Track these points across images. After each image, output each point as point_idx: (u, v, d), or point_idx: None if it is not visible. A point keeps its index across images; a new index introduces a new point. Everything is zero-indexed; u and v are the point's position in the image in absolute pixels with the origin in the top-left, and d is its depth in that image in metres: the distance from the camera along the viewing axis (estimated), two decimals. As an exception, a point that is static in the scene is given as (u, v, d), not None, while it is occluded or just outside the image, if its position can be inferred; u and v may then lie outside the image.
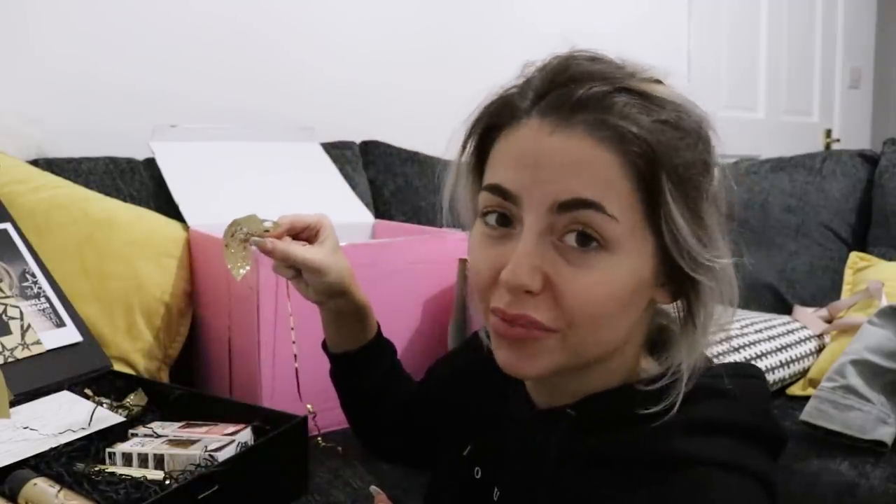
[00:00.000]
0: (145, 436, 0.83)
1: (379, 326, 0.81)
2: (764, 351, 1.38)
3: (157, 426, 0.86)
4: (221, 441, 0.78)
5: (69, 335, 1.01)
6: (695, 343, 0.53)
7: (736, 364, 0.59)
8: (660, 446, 0.51)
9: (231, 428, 0.82)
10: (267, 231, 0.74)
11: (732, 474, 0.50)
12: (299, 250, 0.73)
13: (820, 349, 1.45)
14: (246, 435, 0.81)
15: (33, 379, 0.93)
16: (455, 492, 0.64)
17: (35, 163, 1.27)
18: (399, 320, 1.16)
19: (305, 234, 0.76)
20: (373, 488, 0.75)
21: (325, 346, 0.81)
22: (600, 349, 0.53)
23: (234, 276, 0.75)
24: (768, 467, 0.52)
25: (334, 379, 0.82)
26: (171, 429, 0.85)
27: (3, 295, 0.99)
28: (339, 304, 0.76)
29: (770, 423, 0.55)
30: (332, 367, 0.81)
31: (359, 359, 0.79)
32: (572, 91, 0.49)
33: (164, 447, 0.78)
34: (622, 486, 0.51)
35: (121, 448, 0.79)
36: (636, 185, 0.49)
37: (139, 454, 0.77)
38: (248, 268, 0.75)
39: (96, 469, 0.75)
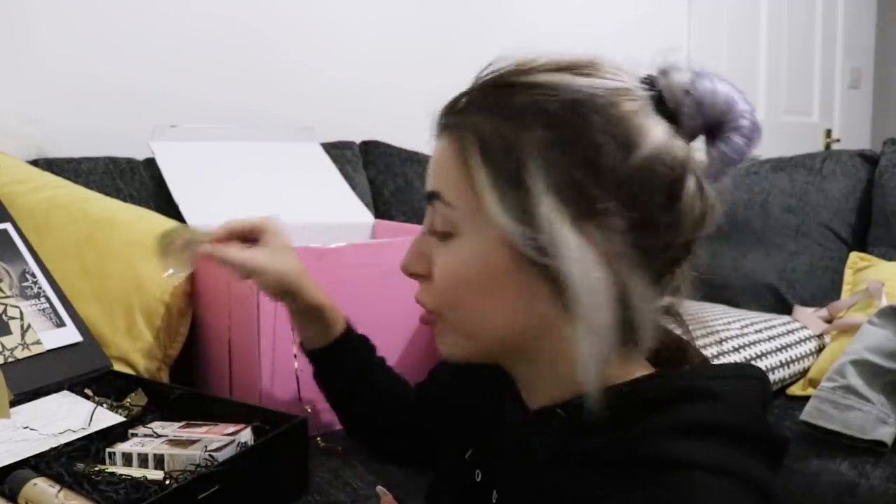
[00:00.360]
0: (145, 436, 0.83)
1: (349, 325, 0.84)
2: (764, 351, 1.38)
3: (157, 426, 0.86)
4: (221, 441, 0.78)
5: (69, 335, 1.01)
6: (584, 339, 0.50)
7: (737, 365, 0.58)
8: (646, 448, 0.50)
9: (231, 428, 0.82)
10: (207, 236, 0.77)
11: (719, 478, 0.48)
12: (233, 253, 0.77)
13: (820, 349, 1.45)
14: (246, 435, 0.81)
15: (33, 379, 0.93)
16: (455, 494, 0.64)
17: (35, 163, 1.27)
18: (399, 320, 1.16)
19: (252, 236, 0.80)
20: (379, 488, 0.75)
21: (301, 345, 0.86)
22: (486, 332, 0.55)
23: (170, 281, 0.79)
24: (760, 472, 0.50)
25: (314, 378, 0.86)
26: (171, 429, 0.85)
27: (3, 295, 0.99)
28: (296, 302, 0.80)
29: (764, 426, 0.53)
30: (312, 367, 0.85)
31: (324, 357, 0.84)
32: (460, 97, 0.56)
33: (164, 447, 0.78)
34: (612, 486, 0.50)
35: (121, 448, 0.79)
36: (467, 173, 0.53)
37: (139, 454, 0.77)
38: (188, 272, 0.80)
39: (96, 469, 0.75)
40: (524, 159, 0.50)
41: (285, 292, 0.79)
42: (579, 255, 0.49)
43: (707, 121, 0.54)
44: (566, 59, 0.54)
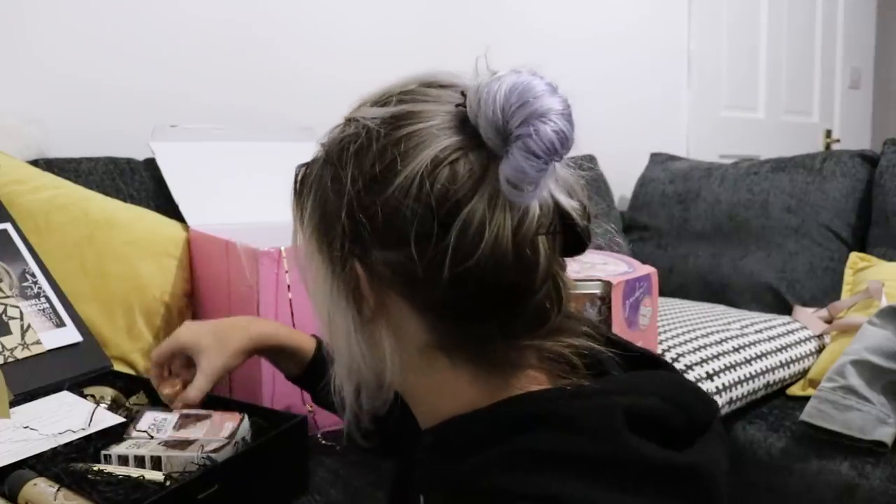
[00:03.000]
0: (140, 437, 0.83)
1: (318, 343, 0.87)
2: (764, 351, 1.38)
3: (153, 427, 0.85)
4: (219, 442, 0.78)
5: (69, 335, 1.01)
6: (336, 368, 0.54)
7: (600, 388, 0.48)
8: (478, 479, 0.46)
9: (228, 423, 0.82)
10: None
11: None
12: (197, 389, 0.82)
13: (820, 349, 1.45)
14: (244, 430, 0.81)
15: (33, 379, 0.93)
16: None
17: (35, 163, 1.27)
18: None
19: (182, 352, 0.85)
20: None
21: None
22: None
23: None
24: (611, 500, 0.43)
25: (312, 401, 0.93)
26: (168, 426, 0.84)
27: (3, 295, 0.99)
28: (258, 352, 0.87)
29: (623, 449, 0.45)
30: None
31: (304, 381, 0.89)
32: None
33: (160, 448, 0.77)
34: None
35: (116, 451, 0.78)
36: None
37: (135, 456, 0.77)
38: None
39: (96, 469, 0.75)
40: (307, 195, 0.53)
41: (248, 356, 0.86)
42: (322, 287, 0.51)
43: (496, 131, 0.44)
44: (388, 89, 0.53)
